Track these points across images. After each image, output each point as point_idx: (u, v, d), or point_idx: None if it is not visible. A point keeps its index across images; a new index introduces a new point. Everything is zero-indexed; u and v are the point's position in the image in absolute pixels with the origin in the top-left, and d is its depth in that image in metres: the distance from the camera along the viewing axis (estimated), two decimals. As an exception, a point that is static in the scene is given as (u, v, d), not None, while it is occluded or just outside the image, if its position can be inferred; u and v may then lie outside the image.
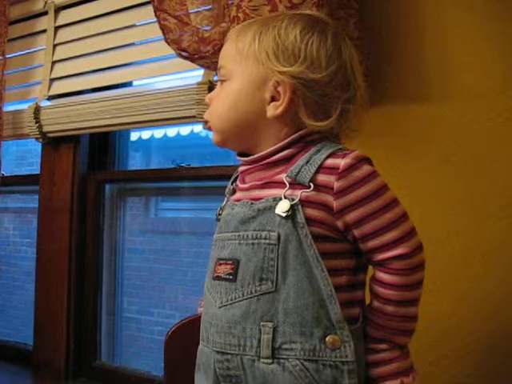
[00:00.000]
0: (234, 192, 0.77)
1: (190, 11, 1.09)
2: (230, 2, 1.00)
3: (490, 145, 0.95)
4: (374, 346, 0.67)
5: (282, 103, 0.68)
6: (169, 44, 1.09)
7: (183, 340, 0.92)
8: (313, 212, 0.65)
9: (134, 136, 1.74)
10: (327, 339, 0.62)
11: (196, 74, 1.25)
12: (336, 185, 0.64)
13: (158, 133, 1.91)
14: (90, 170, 1.57)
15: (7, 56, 1.53)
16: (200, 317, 0.82)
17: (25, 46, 1.63)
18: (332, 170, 0.65)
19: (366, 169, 0.66)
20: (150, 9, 1.12)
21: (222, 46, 0.77)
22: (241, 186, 0.74)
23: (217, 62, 0.76)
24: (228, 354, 0.66)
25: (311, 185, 0.65)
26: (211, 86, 1.17)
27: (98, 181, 1.56)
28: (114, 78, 1.45)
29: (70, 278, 1.52)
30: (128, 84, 1.50)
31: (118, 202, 1.62)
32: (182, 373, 0.79)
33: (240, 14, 0.92)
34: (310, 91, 0.68)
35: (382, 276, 0.66)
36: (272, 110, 0.69)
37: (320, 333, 0.62)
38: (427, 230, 0.98)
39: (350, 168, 0.65)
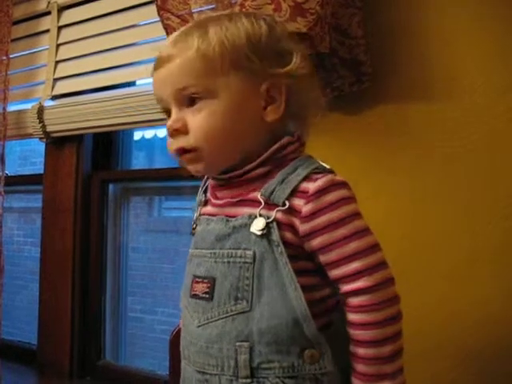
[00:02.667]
0: (205, 203, 0.73)
1: (193, 10, 1.09)
2: (233, 2, 1.00)
3: (493, 144, 0.95)
4: None
5: (280, 104, 0.66)
6: (172, 43, 1.09)
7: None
8: (284, 233, 0.63)
9: (137, 135, 1.75)
10: (305, 354, 0.61)
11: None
12: (304, 209, 0.62)
13: (161, 132, 1.92)
14: (94, 170, 1.57)
15: (11, 56, 1.53)
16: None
17: (28, 45, 1.63)
18: (303, 193, 0.63)
19: (336, 194, 0.63)
20: (152, 8, 1.12)
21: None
22: (214, 201, 0.71)
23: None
24: (207, 373, 0.65)
25: (286, 203, 0.63)
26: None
27: (102, 180, 1.56)
28: (118, 77, 1.45)
29: (74, 277, 1.52)
30: (131, 84, 1.50)
31: (122, 202, 1.62)
32: (187, 372, 0.79)
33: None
34: (300, 86, 0.67)
35: (348, 315, 0.62)
36: (273, 115, 0.66)
37: (297, 349, 0.61)
38: (429, 229, 0.99)
39: (319, 192, 0.62)
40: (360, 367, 0.61)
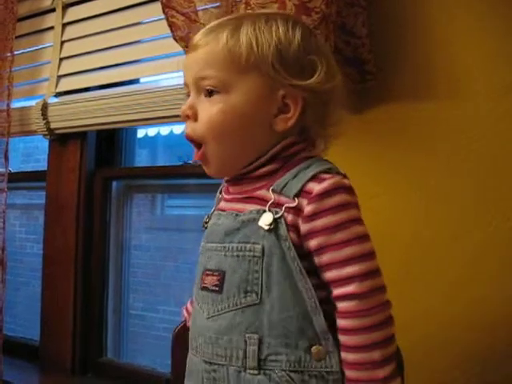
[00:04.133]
0: (221, 200, 0.75)
1: (198, 8, 1.09)
2: (237, 0, 1.00)
3: (496, 145, 0.95)
4: None
5: (293, 116, 0.67)
6: (177, 41, 1.09)
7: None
8: (290, 233, 0.64)
9: (140, 133, 1.75)
10: (312, 350, 0.62)
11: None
12: (306, 209, 0.63)
13: (165, 130, 1.91)
14: (97, 167, 1.58)
15: (15, 53, 1.53)
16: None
17: (32, 42, 1.63)
18: (307, 193, 0.63)
19: (339, 198, 0.63)
20: (157, 6, 1.12)
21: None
22: (226, 196, 0.74)
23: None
24: (215, 364, 0.66)
25: (296, 199, 0.64)
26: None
27: (105, 177, 1.57)
28: (121, 74, 1.45)
29: (77, 274, 1.52)
30: (135, 81, 1.51)
31: (125, 199, 1.62)
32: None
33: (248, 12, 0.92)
34: (318, 100, 0.67)
35: (337, 321, 0.63)
36: (282, 124, 0.67)
37: (305, 344, 0.62)
38: (432, 228, 0.99)
39: (323, 194, 0.63)
40: (351, 373, 0.62)
